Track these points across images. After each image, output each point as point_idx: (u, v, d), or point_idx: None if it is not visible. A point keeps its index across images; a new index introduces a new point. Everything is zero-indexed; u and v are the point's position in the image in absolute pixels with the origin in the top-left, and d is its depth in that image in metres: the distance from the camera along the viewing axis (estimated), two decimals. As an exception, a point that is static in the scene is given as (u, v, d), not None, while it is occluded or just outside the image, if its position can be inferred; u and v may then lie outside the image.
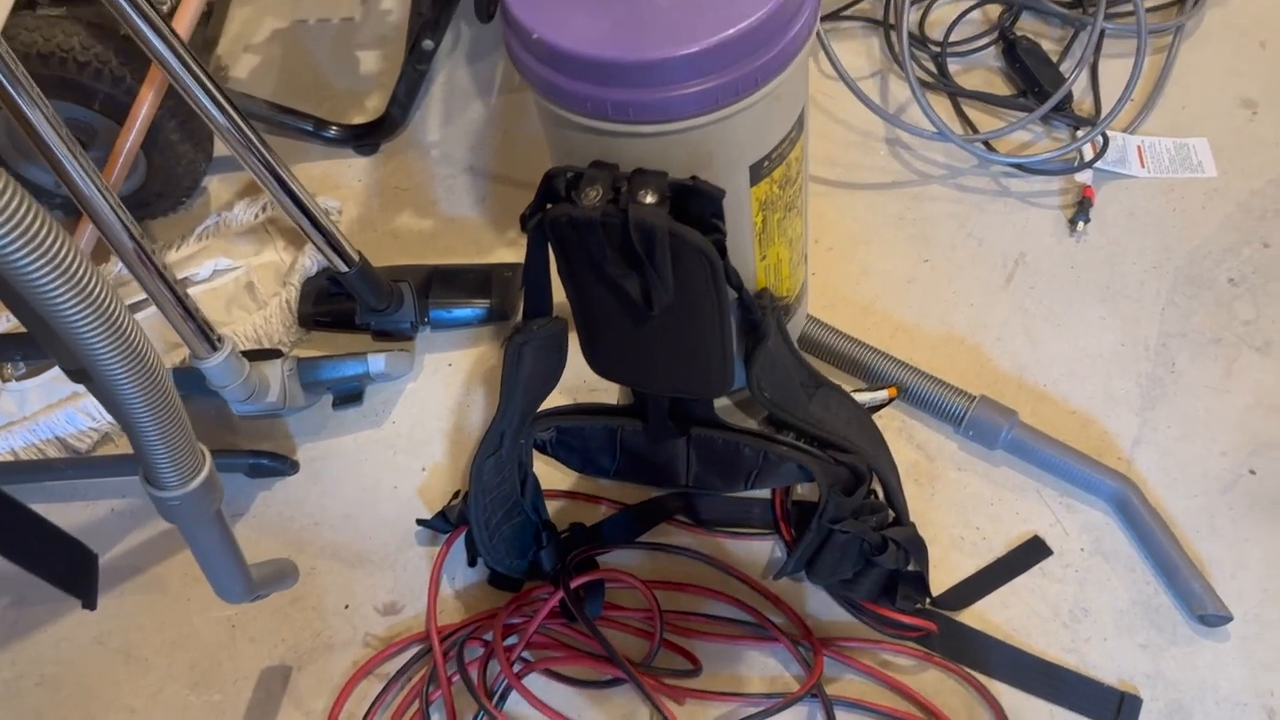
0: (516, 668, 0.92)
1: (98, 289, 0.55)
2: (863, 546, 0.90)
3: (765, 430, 0.88)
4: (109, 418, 1.09)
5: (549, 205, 0.68)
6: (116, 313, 0.56)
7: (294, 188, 0.96)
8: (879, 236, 1.19)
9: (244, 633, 1.01)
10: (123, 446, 1.11)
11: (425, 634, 0.98)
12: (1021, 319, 1.12)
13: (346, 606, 1.01)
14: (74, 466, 1.08)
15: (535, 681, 0.94)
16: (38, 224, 0.49)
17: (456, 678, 0.93)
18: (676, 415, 0.86)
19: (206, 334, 0.94)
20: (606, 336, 0.77)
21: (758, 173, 0.70)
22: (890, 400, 1.01)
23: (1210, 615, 0.92)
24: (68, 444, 1.09)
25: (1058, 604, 0.95)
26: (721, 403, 0.89)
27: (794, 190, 0.76)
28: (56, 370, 1.11)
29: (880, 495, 0.91)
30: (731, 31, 0.60)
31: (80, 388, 1.09)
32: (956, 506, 1.01)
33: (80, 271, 0.53)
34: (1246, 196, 1.18)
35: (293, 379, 1.06)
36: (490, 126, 1.33)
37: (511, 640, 0.94)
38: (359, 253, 1.03)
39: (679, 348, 0.75)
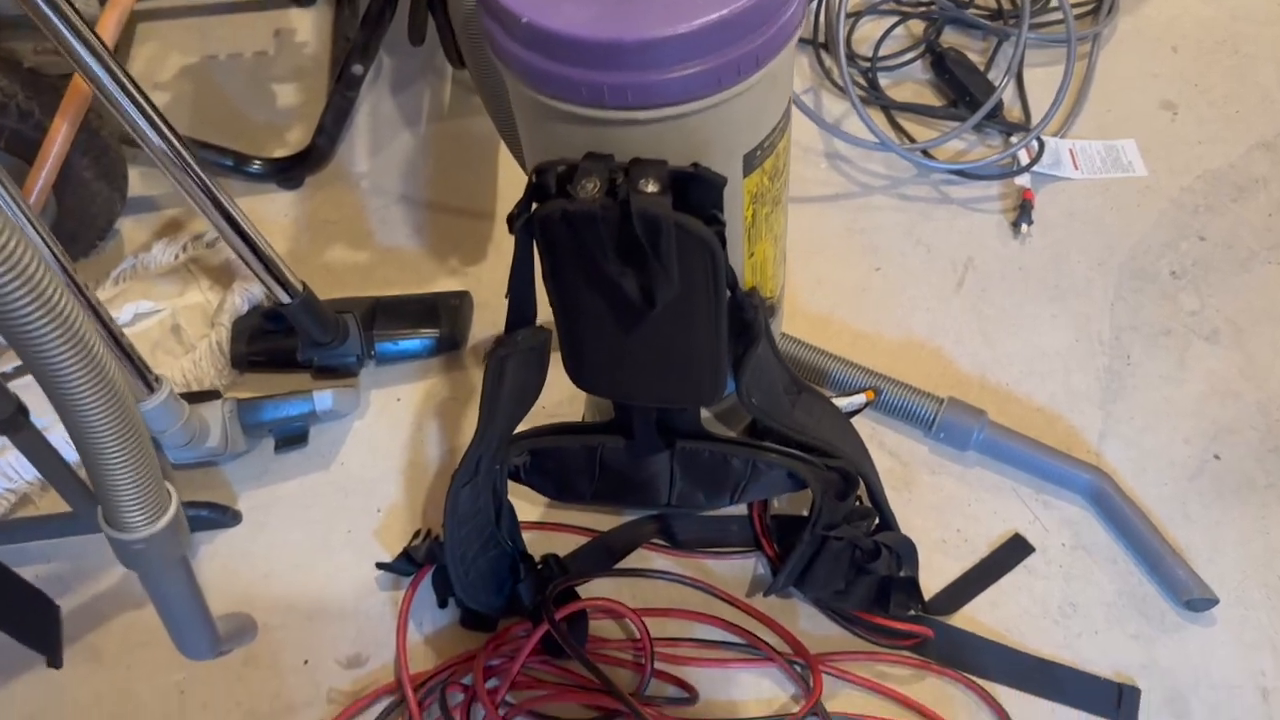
0: (502, 711, 0.86)
1: (63, 302, 0.49)
2: (854, 554, 0.88)
3: (751, 440, 0.85)
4: (27, 477, 0.99)
5: (536, 203, 0.65)
6: (83, 328, 0.51)
7: (233, 212, 0.90)
8: (830, 248, 1.19)
9: (194, 699, 0.92)
10: (43, 508, 1.01)
11: (395, 684, 0.91)
12: (977, 321, 1.12)
13: (306, 662, 0.93)
14: (-10, 532, 0.98)
15: (523, 724, 0.88)
16: (13, 243, 0.46)
17: (437, 727, 0.87)
18: (662, 428, 0.82)
19: (143, 373, 0.87)
20: (593, 346, 0.73)
21: (750, 163, 0.68)
22: (868, 404, 0.99)
23: (1196, 600, 0.92)
24: (-19, 508, 1.00)
25: (1046, 601, 0.94)
26: (701, 415, 0.85)
27: (780, 183, 0.73)
28: (-37, 430, 1.01)
29: (865, 500, 0.89)
30: (734, 7, 0.58)
31: (-7, 445, 1.00)
32: (935, 510, 0.99)
33: (45, 282, 0.48)
34: (1177, 193, 1.21)
35: (233, 421, 0.99)
36: (422, 156, 1.29)
37: (493, 683, 0.88)
38: (303, 282, 0.97)
39: (671, 353, 0.72)
